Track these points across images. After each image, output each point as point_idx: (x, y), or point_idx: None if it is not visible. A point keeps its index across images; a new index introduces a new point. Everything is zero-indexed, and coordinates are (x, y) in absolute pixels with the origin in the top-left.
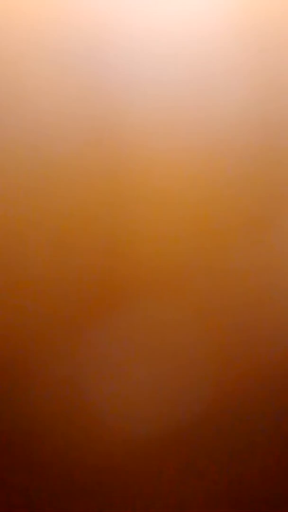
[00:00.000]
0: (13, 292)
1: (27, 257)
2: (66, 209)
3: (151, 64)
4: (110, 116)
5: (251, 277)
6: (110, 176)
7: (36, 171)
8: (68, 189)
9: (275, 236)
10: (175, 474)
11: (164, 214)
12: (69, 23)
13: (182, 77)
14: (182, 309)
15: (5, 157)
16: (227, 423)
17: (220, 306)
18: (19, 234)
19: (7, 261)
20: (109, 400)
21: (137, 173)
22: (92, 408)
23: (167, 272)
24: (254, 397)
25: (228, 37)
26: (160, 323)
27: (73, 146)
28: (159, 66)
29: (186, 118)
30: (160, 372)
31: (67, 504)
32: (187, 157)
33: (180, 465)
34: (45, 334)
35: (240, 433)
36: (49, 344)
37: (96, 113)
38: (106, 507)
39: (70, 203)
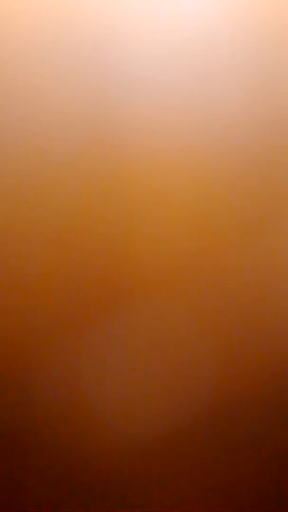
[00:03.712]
0: (13, 292)
1: (27, 257)
2: (66, 209)
3: (151, 64)
4: (110, 116)
5: (251, 277)
6: (110, 176)
7: (36, 171)
8: (68, 189)
9: (275, 236)
10: (175, 474)
11: (164, 214)
12: (69, 23)
13: (183, 77)
14: (182, 309)
15: (5, 157)
16: (227, 423)
17: (220, 306)
18: (19, 234)
19: (7, 261)
20: (109, 400)
21: (137, 173)
22: (92, 408)
23: (167, 272)
24: (254, 397)
25: (228, 37)
26: (160, 323)
27: (73, 145)
28: (160, 66)
29: (186, 118)
30: (160, 372)
31: (67, 504)
32: (187, 157)
33: (180, 465)
34: (45, 334)
35: (240, 433)
36: (49, 344)
37: (96, 113)
38: (106, 507)
39: (70, 203)
